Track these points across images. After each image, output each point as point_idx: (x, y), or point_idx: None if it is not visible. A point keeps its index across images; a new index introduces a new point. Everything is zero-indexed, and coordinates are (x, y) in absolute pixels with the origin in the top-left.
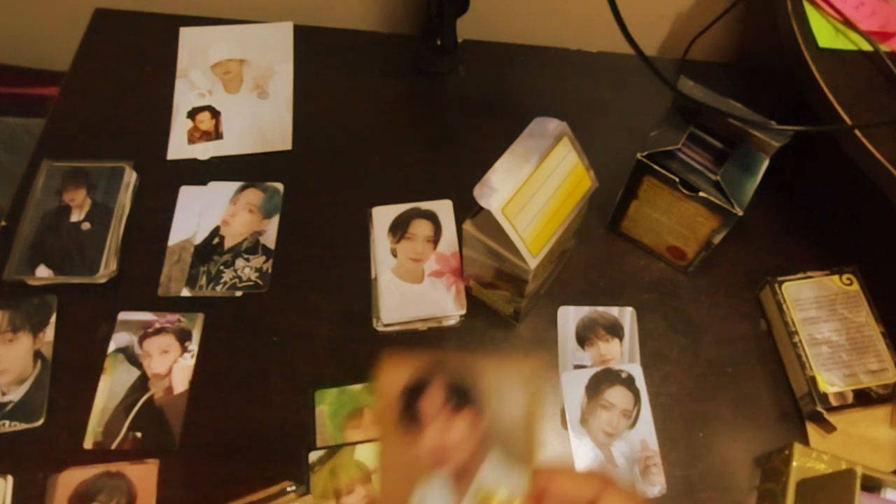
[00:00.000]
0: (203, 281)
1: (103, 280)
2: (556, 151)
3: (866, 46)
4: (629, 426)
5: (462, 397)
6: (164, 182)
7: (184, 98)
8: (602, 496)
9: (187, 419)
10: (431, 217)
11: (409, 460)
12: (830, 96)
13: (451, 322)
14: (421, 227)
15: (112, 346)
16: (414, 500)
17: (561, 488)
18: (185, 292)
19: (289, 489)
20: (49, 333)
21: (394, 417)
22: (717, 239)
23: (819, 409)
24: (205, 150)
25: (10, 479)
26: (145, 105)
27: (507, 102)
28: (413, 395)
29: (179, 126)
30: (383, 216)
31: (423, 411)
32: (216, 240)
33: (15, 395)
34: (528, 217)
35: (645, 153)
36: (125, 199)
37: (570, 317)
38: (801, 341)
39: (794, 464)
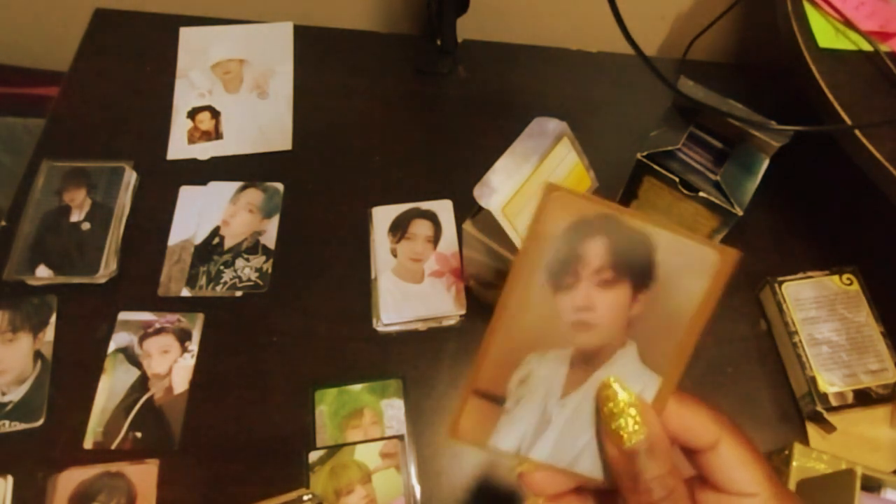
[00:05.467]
0: (203, 281)
1: (103, 280)
2: (556, 151)
3: (866, 46)
4: None
5: (626, 267)
6: (164, 182)
7: (184, 98)
8: (722, 439)
9: (187, 419)
10: (431, 217)
11: (536, 318)
12: (830, 96)
13: (451, 322)
14: (421, 227)
15: (112, 346)
16: (522, 368)
17: (686, 422)
18: (185, 292)
19: (306, 497)
20: (49, 333)
21: (540, 259)
22: (717, 239)
23: (819, 409)
24: (205, 150)
25: (9, 479)
26: (145, 105)
27: (507, 102)
28: (574, 241)
29: (179, 126)
30: (383, 216)
31: (580, 264)
32: (216, 240)
33: (15, 395)
34: (529, 217)
35: (645, 153)
36: (125, 199)
37: None
38: (800, 341)
39: (794, 464)
